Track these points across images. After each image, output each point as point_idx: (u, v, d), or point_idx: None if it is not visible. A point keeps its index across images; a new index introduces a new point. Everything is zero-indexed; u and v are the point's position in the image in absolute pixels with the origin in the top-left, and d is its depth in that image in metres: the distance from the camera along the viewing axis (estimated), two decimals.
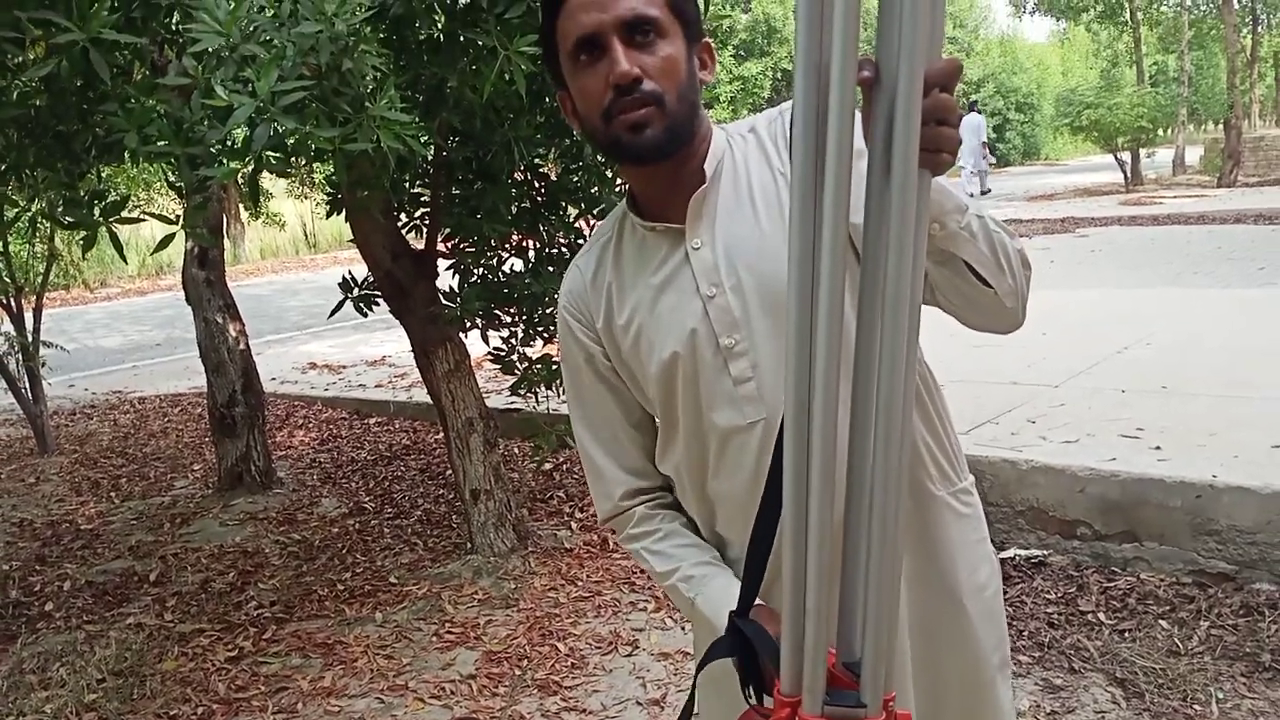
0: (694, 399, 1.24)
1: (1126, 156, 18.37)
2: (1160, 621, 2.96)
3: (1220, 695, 2.60)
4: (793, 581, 0.90)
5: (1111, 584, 3.20)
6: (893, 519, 0.87)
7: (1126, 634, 2.93)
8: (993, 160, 20.48)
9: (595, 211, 3.81)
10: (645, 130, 1.14)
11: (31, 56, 2.57)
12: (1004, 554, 3.44)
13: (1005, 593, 3.20)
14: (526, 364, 3.99)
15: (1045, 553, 3.42)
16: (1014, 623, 3.06)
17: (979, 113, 20.76)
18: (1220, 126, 20.80)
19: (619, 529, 1.39)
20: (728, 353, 1.21)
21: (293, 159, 2.62)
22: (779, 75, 28.55)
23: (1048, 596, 3.19)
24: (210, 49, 2.35)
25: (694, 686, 1.25)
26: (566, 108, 1.24)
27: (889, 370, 0.84)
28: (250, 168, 2.52)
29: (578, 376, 1.35)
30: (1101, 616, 3.04)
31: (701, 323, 1.22)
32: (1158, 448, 3.50)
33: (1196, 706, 2.56)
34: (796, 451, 0.87)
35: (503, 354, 4.01)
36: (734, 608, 1.17)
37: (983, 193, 19.05)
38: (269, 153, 2.49)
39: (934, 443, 1.29)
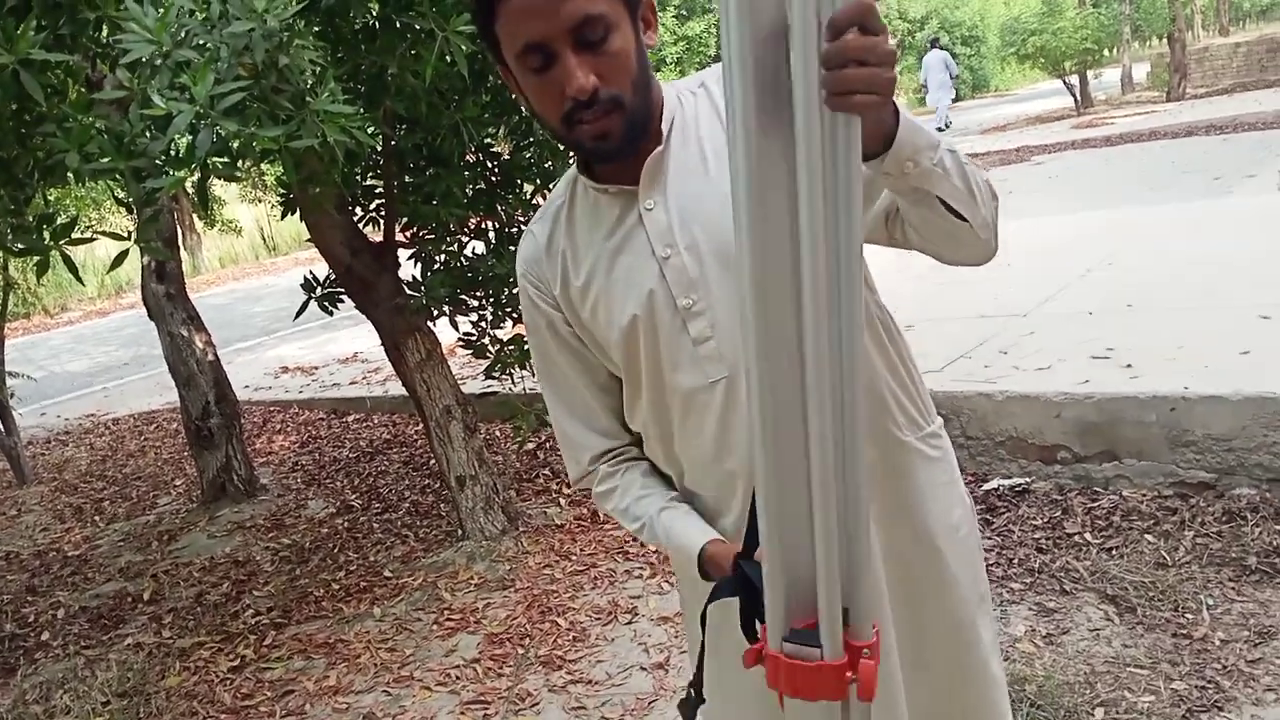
0: (655, 361, 1.24)
1: (1075, 80, 18.41)
2: (1146, 536, 3.01)
3: (1210, 602, 2.65)
4: (768, 528, 0.93)
5: (1095, 504, 3.24)
6: (854, 464, 0.90)
7: (1114, 551, 2.98)
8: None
9: (551, 186, 3.78)
10: (608, 138, 1.14)
11: None
12: (987, 485, 3.48)
13: (992, 524, 3.26)
14: (498, 346, 3.98)
15: (1028, 480, 3.47)
16: (1003, 551, 3.10)
17: (941, 48, 20.80)
18: (1164, 41, 20.87)
19: (591, 491, 1.40)
20: (686, 313, 1.21)
21: (239, 162, 2.59)
22: None
23: (1034, 523, 3.23)
24: (143, 58, 2.31)
25: (703, 643, 1.24)
26: (513, 84, 1.20)
27: (823, 315, 0.85)
28: (197, 175, 2.49)
29: (542, 343, 1.35)
30: (1088, 537, 3.09)
31: (659, 284, 1.21)
32: (1129, 366, 3.54)
33: (1188, 615, 2.61)
34: (762, 405, 0.89)
35: (473, 339, 4.00)
36: (696, 540, 1.21)
37: (940, 129, 19.11)
38: (214, 158, 2.46)
39: (899, 389, 1.29)
